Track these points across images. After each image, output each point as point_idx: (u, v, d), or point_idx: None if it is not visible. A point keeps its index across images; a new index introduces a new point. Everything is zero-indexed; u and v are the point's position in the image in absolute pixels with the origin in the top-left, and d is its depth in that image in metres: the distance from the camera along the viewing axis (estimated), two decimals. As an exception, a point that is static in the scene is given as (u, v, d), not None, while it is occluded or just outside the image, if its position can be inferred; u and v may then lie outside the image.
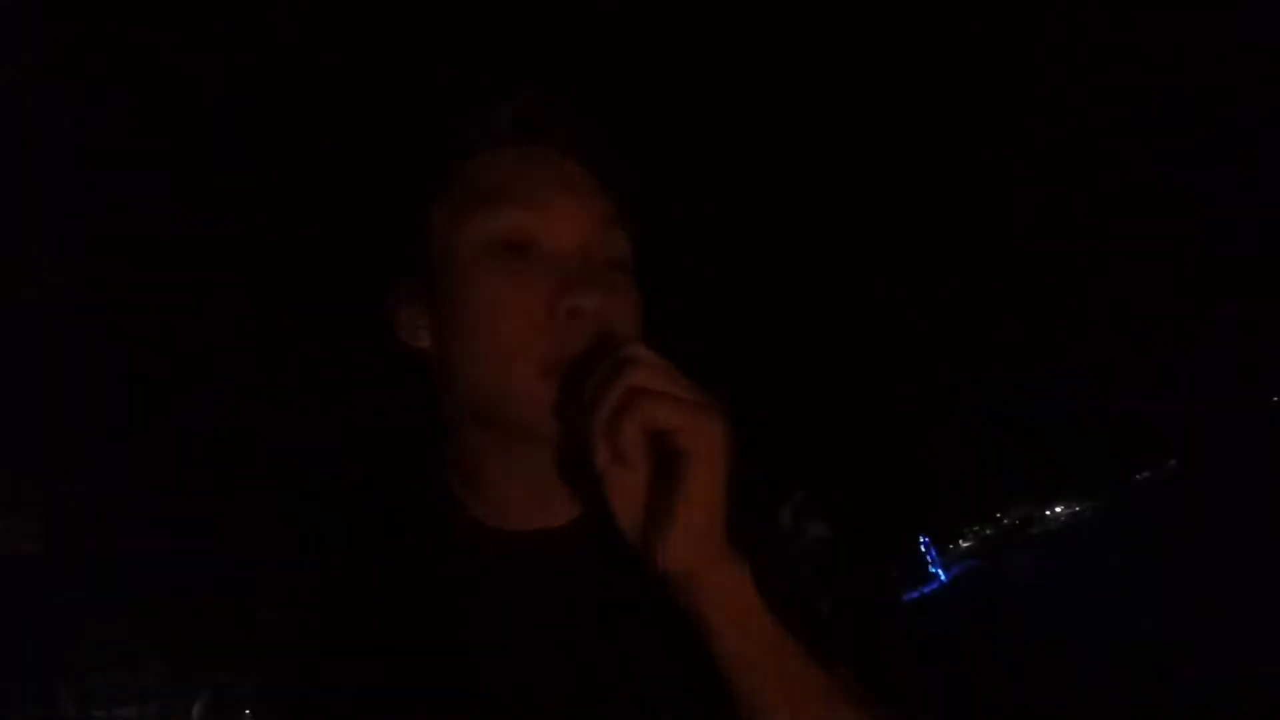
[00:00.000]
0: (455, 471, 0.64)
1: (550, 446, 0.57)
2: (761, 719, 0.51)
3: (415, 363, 0.63)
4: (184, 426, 3.28)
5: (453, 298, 0.58)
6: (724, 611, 0.50)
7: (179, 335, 3.15)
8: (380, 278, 0.67)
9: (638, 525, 0.51)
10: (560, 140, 0.62)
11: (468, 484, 0.63)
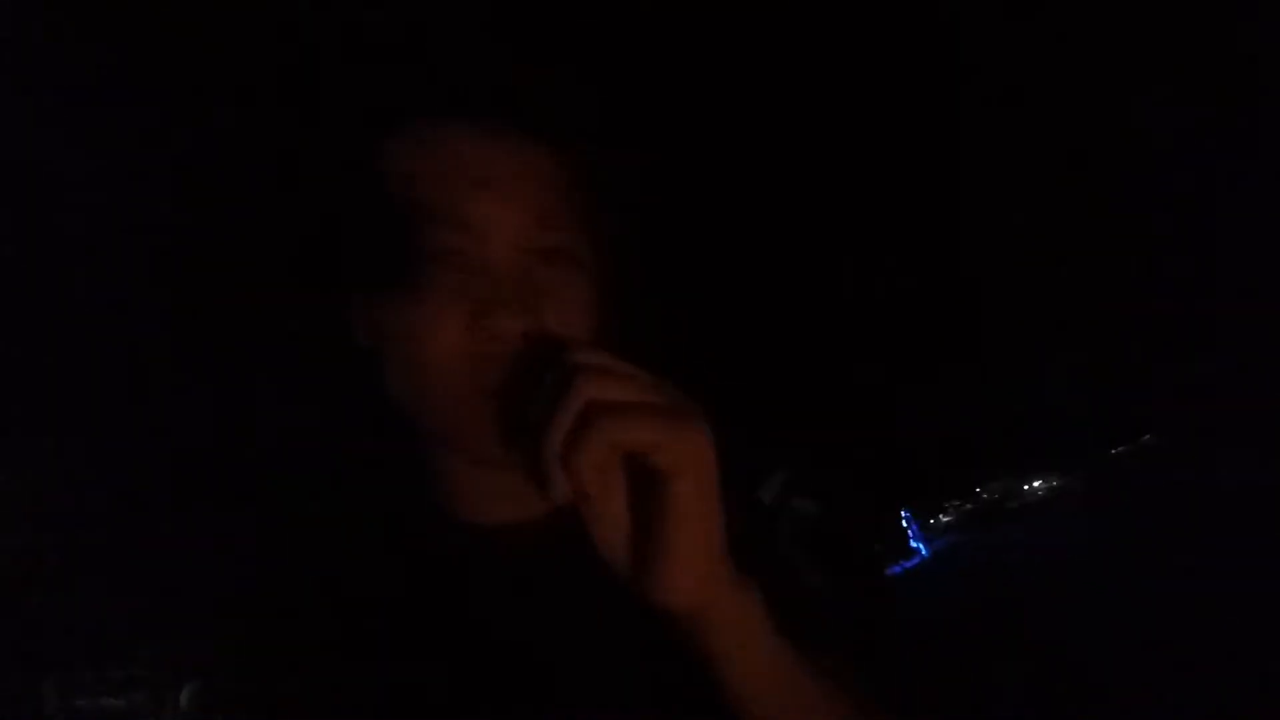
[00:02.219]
0: (428, 469, 0.61)
1: (507, 465, 0.50)
2: None
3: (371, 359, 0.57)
4: (176, 419, 3.23)
5: (375, 309, 0.53)
6: (731, 646, 0.45)
7: (175, 331, 3.08)
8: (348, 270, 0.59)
9: (624, 559, 0.44)
10: (508, 111, 0.53)
11: (440, 482, 0.60)
